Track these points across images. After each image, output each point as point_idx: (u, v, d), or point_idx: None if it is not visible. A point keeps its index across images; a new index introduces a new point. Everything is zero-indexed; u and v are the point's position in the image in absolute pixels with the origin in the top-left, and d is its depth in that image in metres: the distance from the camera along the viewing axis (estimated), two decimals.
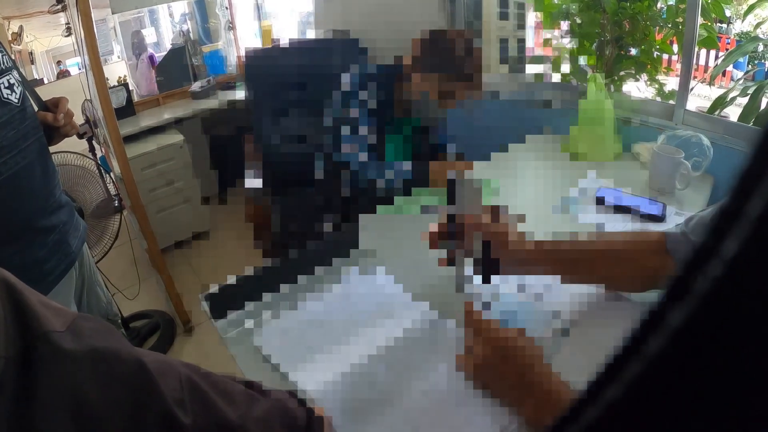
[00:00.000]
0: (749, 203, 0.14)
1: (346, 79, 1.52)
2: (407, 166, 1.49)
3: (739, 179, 0.15)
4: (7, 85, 1.07)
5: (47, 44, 3.30)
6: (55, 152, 2.15)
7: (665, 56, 2.18)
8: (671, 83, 2.14)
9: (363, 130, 1.48)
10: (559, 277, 0.98)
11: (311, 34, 3.38)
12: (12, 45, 3.20)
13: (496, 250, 0.95)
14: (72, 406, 0.40)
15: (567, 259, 0.95)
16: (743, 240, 0.14)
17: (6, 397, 0.37)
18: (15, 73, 1.12)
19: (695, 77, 1.68)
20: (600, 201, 1.38)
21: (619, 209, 1.34)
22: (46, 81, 3.39)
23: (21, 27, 3.16)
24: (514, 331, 0.82)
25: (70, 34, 3.05)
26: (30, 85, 1.27)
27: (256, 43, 3.69)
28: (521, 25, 2.33)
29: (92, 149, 2.88)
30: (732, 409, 0.16)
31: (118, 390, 0.43)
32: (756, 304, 0.15)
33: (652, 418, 0.17)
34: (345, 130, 1.47)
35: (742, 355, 0.15)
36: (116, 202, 2.55)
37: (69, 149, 2.24)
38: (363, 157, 1.47)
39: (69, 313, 0.46)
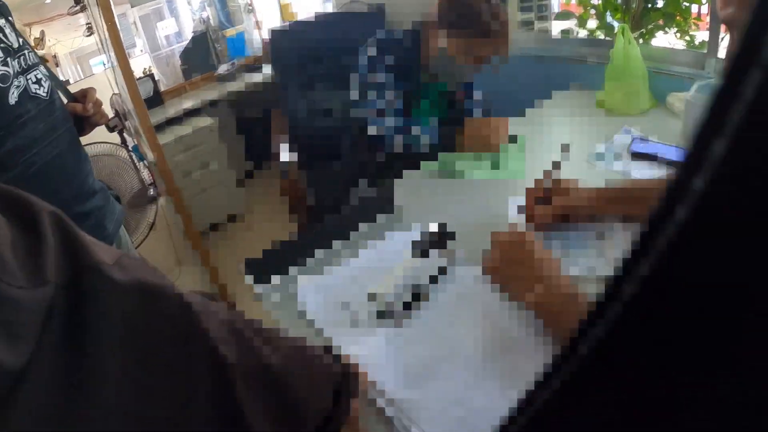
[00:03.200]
0: (695, 179, 0.18)
1: (371, 44, 1.52)
2: (437, 129, 1.49)
3: (685, 157, 0.18)
4: (34, 80, 1.10)
5: (70, 46, 3.34)
6: (88, 144, 2.20)
7: (694, 7, 2.12)
8: (700, 36, 2.09)
9: (390, 95, 1.47)
10: None
11: (331, 7, 3.36)
12: (35, 50, 3.24)
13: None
14: (121, 335, 0.40)
15: (630, 198, 1.03)
16: (690, 209, 0.18)
17: (56, 323, 0.37)
18: (42, 68, 1.14)
19: (726, 30, 1.63)
20: (636, 153, 1.35)
21: (655, 160, 1.32)
22: (72, 81, 3.44)
23: (42, 32, 3.21)
24: (531, 235, 0.93)
25: (91, 34, 3.09)
26: (57, 79, 1.30)
27: (277, 22, 3.68)
28: None
29: (124, 141, 2.94)
30: (690, 343, 0.20)
31: (165, 324, 0.43)
32: (705, 259, 0.19)
33: (630, 353, 0.21)
34: (372, 96, 1.47)
35: (696, 299, 0.19)
36: (151, 190, 2.60)
37: (102, 141, 2.30)
38: (391, 121, 1.47)
39: (114, 250, 0.46)
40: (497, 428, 0.27)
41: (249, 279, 1.07)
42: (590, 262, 0.99)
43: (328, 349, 0.69)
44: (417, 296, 0.94)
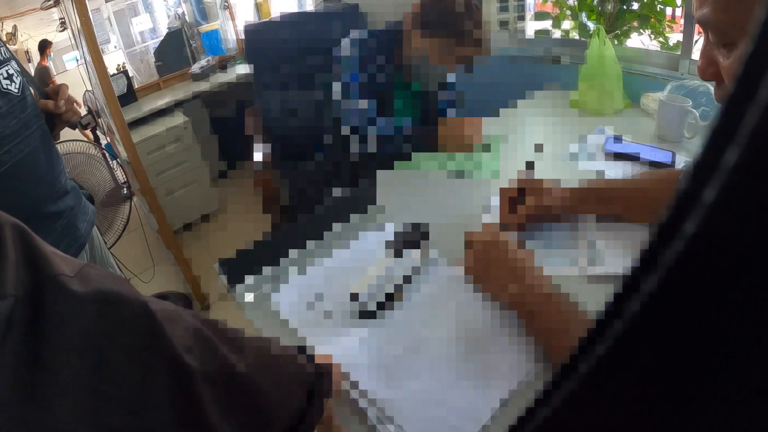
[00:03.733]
0: (705, 189, 0.16)
1: (346, 43, 1.51)
2: (411, 128, 1.49)
3: (694, 167, 0.17)
4: (6, 75, 1.07)
5: None
6: (61, 141, 2.16)
7: (668, 9, 2.15)
8: (674, 38, 2.12)
9: (365, 94, 1.47)
10: None
11: (306, 4, 3.35)
12: (7, 45, 3.17)
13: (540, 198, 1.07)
14: (79, 346, 0.40)
15: (603, 197, 1.06)
16: (700, 221, 0.17)
17: (15, 336, 0.37)
18: (14, 63, 1.11)
19: (700, 32, 1.65)
20: (609, 152, 1.37)
21: (629, 159, 1.33)
22: None
23: (15, 26, 3.15)
24: (505, 234, 0.94)
25: (64, 29, 3.04)
26: (30, 75, 1.27)
27: (252, 19, 3.65)
28: None
29: (97, 139, 2.89)
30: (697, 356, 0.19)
31: (124, 333, 0.43)
32: (717, 275, 0.17)
33: (634, 373, 0.20)
34: (347, 95, 1.47)
35: (706, 318, 0.18)
36: (125, 189, 2.56)
37: (75, 139, 2.26)
38: (366, 121, 1.47)
39: (77, 261, 0.46)
40: None
41: (223, 279, 1.06)
42: (565, 261, 1.00)
43: (301, 349, 0.69)
44: (392, 295, 0.94)
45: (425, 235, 1.05)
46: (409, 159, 1.46)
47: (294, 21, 2.06)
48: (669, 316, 0.18)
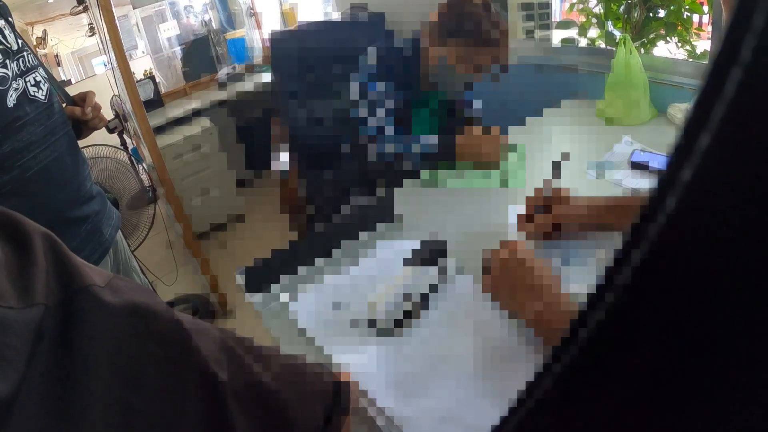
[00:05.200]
0: (683, 170, 0.19)
1: (371, 53, 1.51)
2: (433, 140, 1.48)
3: (674, 149, 0.19)
4: (33, 82, 1.09)
5: (72, 46, 3.35)
6: (88, 146, 2.20)
7: (695, 17, 2.12)
8: (702, 46, 2.09)
9: (389, 103, 1.47)
10: None
11: (332, 12, 3.37)
12: (37, 49, 3.25)
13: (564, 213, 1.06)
14: (110, 358, 0.40)
15: (628, 211, 1.03)
16: (679, 198, 0.19)
17: (45, 345, 0.36)
18: (41, 70, 1.14)
19: None
20: (636, 164, 1.35)
21: (655, 171, 1.31)
22: (73, 81, 3.45)
23: (45, 31, 3.21)
24: (531, 252, 0.91)
25: (93, 34, 3.10)
26: (56, 81, 1.30)
27: (278, 26, 3.69)
28: None
29: (123, 143, 2.94)
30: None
31: (155, 345, 0.43)
32: (695, 246, 0.20)
33: (625, 342, 0.22)
34: (371, 104, 1.47)
35: (687, 287, 0.20)
36: (150, 192, 2.59)
37: (102, 143, 2.30)
38: (390, 130, 1.47)
39: (106, 273, 0.45)
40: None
41: (243, 287, 1.07)
42: (590, 276, 0.98)
43: (321, 364, 0.69)
44: (413, 308, 0.93)
45: (443, 253, 1.04)
46: (434, 168, 1.45)
47: (320, 30, 2.08)
48: (654, 288, 0.20)
